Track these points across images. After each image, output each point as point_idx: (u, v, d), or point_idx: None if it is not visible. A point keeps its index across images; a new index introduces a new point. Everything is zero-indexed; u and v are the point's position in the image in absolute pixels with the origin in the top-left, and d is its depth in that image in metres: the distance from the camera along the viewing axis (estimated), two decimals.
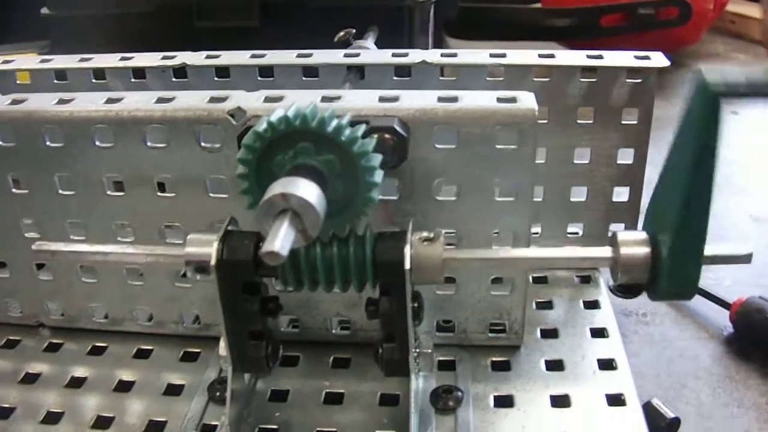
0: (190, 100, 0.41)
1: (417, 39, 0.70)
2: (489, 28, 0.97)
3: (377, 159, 0.35)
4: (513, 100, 0.40)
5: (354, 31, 0.57)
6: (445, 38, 0.94)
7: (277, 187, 0.32)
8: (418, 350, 0.40)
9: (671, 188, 0.35)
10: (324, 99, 0.41)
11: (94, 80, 0.52)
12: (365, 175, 0.35)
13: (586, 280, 0.54)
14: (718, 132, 0.33)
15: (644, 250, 0.36)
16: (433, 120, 0.39)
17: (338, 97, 0.41)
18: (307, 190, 0.32)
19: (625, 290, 0.36)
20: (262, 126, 0.34)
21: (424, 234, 0.37)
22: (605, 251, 0.37)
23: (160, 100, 0.42)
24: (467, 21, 0.96)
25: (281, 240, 0.30)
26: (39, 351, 0.49)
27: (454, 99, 0.40)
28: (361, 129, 0.35)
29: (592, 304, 0.51)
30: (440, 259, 0.36)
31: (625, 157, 0.52)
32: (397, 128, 0.38)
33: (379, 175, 0.35)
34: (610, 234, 0.54)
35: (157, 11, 0.71)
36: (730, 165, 0.76)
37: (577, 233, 0.55)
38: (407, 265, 0.36)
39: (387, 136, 0.38)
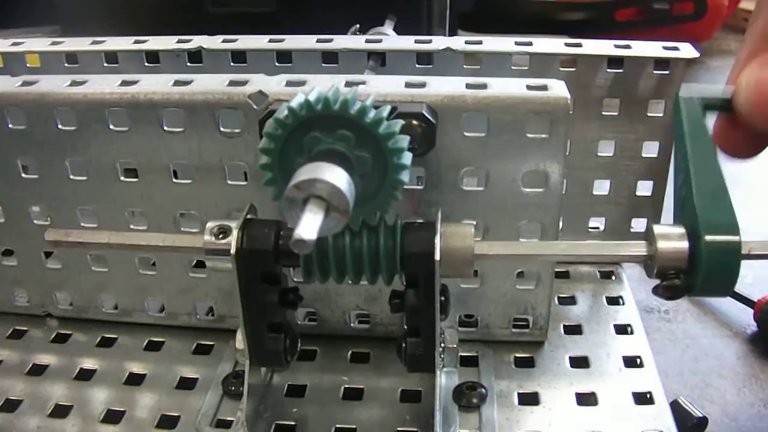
0: (209, 84, 0.40)
1: (434, 31, 0.69)
2: (501, 21, 0.96)
3: (404, 140, 0.33)
4: (544, 87, 0.38)
5: (359, 26, 0.56)
6: (457, 31, 0.92)
7: (304, 174, 0.30)
8: (443, 345, 0.39)
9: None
10: (348, 84, 0.39)
11: (106, 64, 0.50)
12: (393, 157, 0.33)
13: (608, 275, 0.52)
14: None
15: (682, 245, 0.35)
16: (461, 107, 0.38)
17: (362, 82, 0.39)
18: (335, 175, 0.31)
19: (670, 291, 0.35)
20: (282, 113, 0.33)
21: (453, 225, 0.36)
22: (641, 245, 0.36)
23: (177, 83, 0.40)
24: (479, 13, 0.95)
25: (311, 228, 0.29)
26: (46, 342, 0.47)
27: (483, 86, 0.39)
28: (386, 110, 0.33)
29: (615, 300, 0.50)
30: (471, 251, 0.35)
31: (650, 150, 0.50)
32: (426, 114, 0.37)
33: (407, 157, 0.33)
34: (632, 229, 0.54)
35: None
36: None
37: (598, 228, 0.54)
38: (437, 257, 0.34)
39: (415, 122, 0.37)
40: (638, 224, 0.53)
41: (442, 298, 0.37)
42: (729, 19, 1.13)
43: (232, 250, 0.36)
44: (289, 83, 0.39)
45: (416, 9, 0.66)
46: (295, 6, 0.67)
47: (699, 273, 0.35)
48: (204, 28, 0.51)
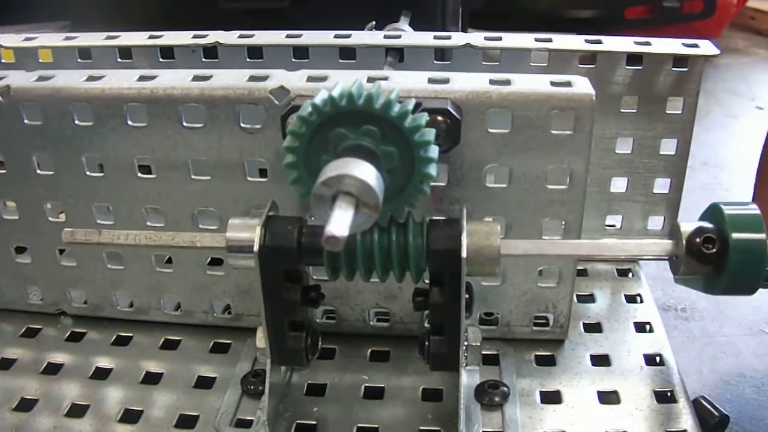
0: (229, 79, 0.39)
1: (449, 28, 0.68)
2: (511, 18, 0.96)
3: (431, 133, 0.33)
4: (568, 84, 0.38)
5: (374, 23, 0.55)
6: (467, 29, 0.92)
7: (331, 170, 0.30)
8: (466, 343, 0.38)
9: None
10: (370, 79, 0.39)
11: (119, 59, 0.50)
12: (420, 150, 0.33)
13: (625, 273, 0.52)
14: None
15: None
16: (486, 103, 0.37)
17: (385, 78, 0.39)
18: (364, 171, 0.30)
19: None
20: (306, 110, 0.32)
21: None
22: (667, 244, 0.36)
23: (196, 78, 0.40)
24: (489, 11, 0.94)
25: (342, 224, 0.28)
26: (61, 340, 0.47)
27: (507, 82, 0.38)
28: (411, 104, 0.33)
29: (633, 298, 0.49)
30: (497, 249, 0.34)
31: (668, 147, 0.50)
32: (451, 110, 0.36)
33: (434, 150, 0.33)
34: (648, 227, 0.53)
35: None
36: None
37: (614, 225, 0.54)
38: (464, 254, 0.34)
39: (440, 118, 0.36)
40: (655, 222, 0.52)
41: (467, 296, 0.36)
42: (737, 18, 1.13)
43: (255, 248, 0.35)
44: (310, 78, 0.39)
45: (431, 5, 0.65)
46: (308, 1, 0.66)
47: (726, 271, 0.35)
48: (216, 23, 0.50)
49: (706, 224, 0.36)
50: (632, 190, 0.52)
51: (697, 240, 0.35)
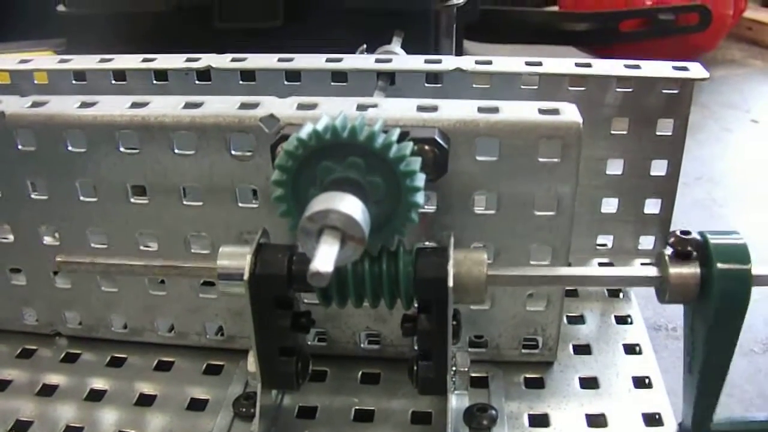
0: (220, 107, 0.40)
1: (442, 43, 0.69)
2: (506, 31, 0.96)
3: (416, 162, 0.33)
4: (556, 111, 0.39)
5: (365, 46, 0.56)
6: (463, 42, 0.92)
7: (316, 205, 0.30)
8: (454, 368, 0.39)
9: None
10: (359, 107, 0.39)
11: (114, 81, 0.50)
12: (406, 180, 0.33)
13: (616, 293, 0.52)
14: None
15: (694, 270, 0.35)
16: (474, 131, 0.38)
17: (374, 105, 0.39)
18: (349, 205, 0.31)
19: None
20: (292, 144, 0.33)
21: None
22: (653, 270, 0.36)
23: (188, 105, 0.40)
24: (485, 24, 0.94)
25: (327, 260, 0.29)
26: (56, 362, 0.47)
27: (495, 110, 0.39)
28: (395, 134, 0.33)
29: (624, 319, 0.50)
30: (484, 278, 0.35)
31: (659, 168, 0.51)
32: (438, 140, 0.37)
33: (420, 179, 0.33)
34: (639, 246, 0.54)
35: (176, 11, 0.69)
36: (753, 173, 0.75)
37: (605, 245, 0.54)
38: (450, 283, 0.34)
39: (427, 147, 0.37)
40: (646, 242, 0.53)
41: (454, 323, 0.37)
42: (733, 29, 1.13)
43: (245, 276, 0.36)
44: (300, 106, 0.39)
45: (425, 23, 0.66)
46: (301, 21, 0.67)
47: (712, 299, 0.35)
48: (211, 43, 0.51)
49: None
50: (623, 211, 0.52)
51: None
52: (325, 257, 0.29)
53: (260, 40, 0.49)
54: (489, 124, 0.38)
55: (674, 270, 0.35)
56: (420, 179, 0.33)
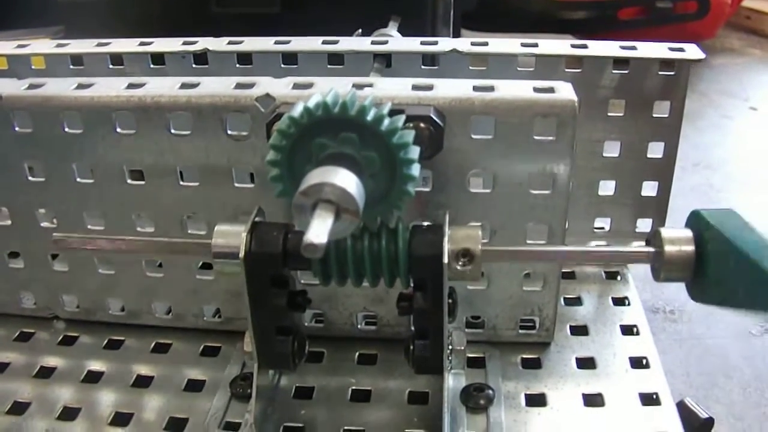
0: (216, 87, 0.40)
1: (439, 31, 0.69)
2: (504, 20, 0.96)
3: (409, 135, 0.33)
4: (551, 90, 0.39)
5: (360, 31, 0.55)
6: (460, 30, 0.92)
7: (310, 179, 0.30)
8: (450, 347, 0.39)
9: None
10: (355, 86, 0.39)
11: (111, 66, 0.50)
12: (400, 152, 0.33)
13: (613, 275, 0.52)
14: None
15: (689, 249, 0.35)
16: (469, 109, 0.38)
17: (370, 85, 0.39)
18: (342, 178, 0.31)
19: None
20: (284, 123, 0.33)
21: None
22: (649, 248, 0.36)
23: (184, 86, 0.40)
24: (483, 12, 0.94)
25: (321, 232, 0.29)
26: (53, 344, 0.47)
27: (491, 88, 0.39)
28: (387, 107, 0.33)
29: (621, 301, 0.50)
30: (479, 255, 0.35)
31: (655, 151, 0.50)
32: (434, 117, 0.37)
33: (414, 151, 0.33)
34: (637, 229, 0.54)
35: None
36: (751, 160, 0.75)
37: (603, 228, 0.54)
38: (445, 260, 0.34)
39: (423, 125, 0.37)
40: (643, 224, 0.53)
41: (450, 301, 0.37)
42: (732, 18, 1.13)
43: (241, 254, 0.36)
44: (296, 86, 0.39)
45: (421, 8, 0.66)
46: (298, 6, 0.67)
47: (706, 278, 0.35)
48: (208, 29, 0.51)
49: (686, 231, 0.36)
50: (620, 193, 0.52)
51: None
52: (319, 229, 0.29)
53: (257, 26, 0.49)
54: (484, 102, 0.38)
55: (669, 248, 0.35)
56: (414, 151, 0.33)
